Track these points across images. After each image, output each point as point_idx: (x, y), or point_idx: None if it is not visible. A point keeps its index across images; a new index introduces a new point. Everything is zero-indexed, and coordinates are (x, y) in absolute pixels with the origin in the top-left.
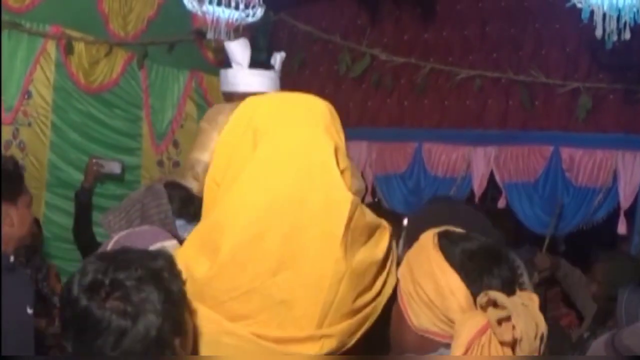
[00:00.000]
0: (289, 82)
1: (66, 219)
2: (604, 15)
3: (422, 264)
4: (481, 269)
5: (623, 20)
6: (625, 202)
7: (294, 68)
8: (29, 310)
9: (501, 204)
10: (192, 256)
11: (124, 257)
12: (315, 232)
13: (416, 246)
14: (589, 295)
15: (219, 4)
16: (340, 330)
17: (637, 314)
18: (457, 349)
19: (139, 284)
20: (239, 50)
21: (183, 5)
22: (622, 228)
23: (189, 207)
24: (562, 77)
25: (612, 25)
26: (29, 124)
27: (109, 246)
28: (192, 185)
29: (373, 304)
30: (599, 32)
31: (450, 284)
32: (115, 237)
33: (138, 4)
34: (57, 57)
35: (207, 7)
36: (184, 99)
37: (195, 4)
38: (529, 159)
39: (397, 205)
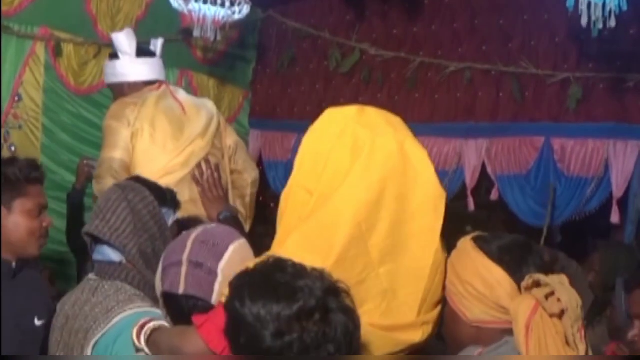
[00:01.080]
0: (279, 79)
1: (59, 221)
2: (589, 3)
3: (466, 265)
4: (518, 259)
5: (608, 8)
6: (617, 191)
7: (284, 65)
8: (37, 322)
9: (494, 196)
10: (303, 256)
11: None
12: (417, 226)
13: (456, 253)
14: (586, 285)
15: (205, 2)
16: (434, 317)
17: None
18: (520, 331)
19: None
20: (125, 40)
21: (171, 5)
22: (615, 217)
23: (165, 196)
24: (551, 68)
25: (598, 13)
26: (20, 127)
27: (189, 248)
28: (109, 184)
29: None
30: (584, 21)
31: (495, 276)
32: (193, 236)
33: (126, 4)
34: (46, 59)
35: (193, 5)
36: None
37: (182, 2)
38: (520, 151)
39: None
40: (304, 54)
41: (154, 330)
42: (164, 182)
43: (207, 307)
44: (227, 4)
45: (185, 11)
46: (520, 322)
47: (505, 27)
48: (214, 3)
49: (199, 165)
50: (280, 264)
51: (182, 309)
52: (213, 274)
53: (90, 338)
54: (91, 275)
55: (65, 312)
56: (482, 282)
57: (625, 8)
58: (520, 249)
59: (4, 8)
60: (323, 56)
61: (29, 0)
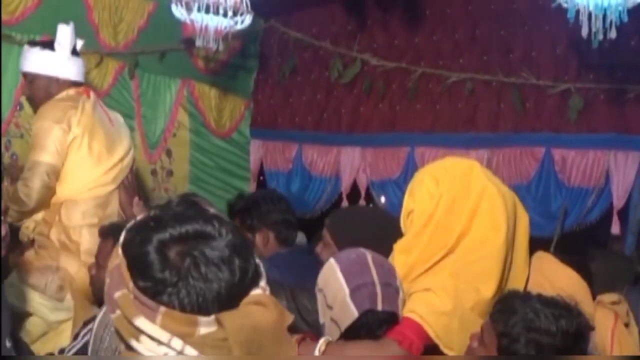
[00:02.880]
0: (280, 89)
1: None
2: (590, 14)
3: (559, 275)
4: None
5: (609, 20)
6: (618, 202)
7: (285, 75)
8: (8, 344)
9: None
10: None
11: None
12: (524, 243)
13: (542, 262)
14: None
15: (207, 11)
16: None
17: (636, 313)
18: (606, 336)
19: None
20: (69, 35)
21: (173, 14)
22: (615, 228)
23: None
24: (552, 79)
25: (598, 24)
26: (21, 136)
27: (374, 270)
28: (37, 188)
29: None
30: (584, 32)
31: (580, 283)
32: (370, 259)
33: (128, 13)
34: None
35: (196, 15)
36: (176, 108)
37: (184, 12)
38: (521, 161)
39: (392, 211)
40: (306, 64)
41: (329, 344)
42: (93, 193)
43: (395, 320)
44: (229, 13)
45: (188, 21)
46: (605, 330)
47: (506, 37)
48: (216, 13)
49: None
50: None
51: (366, 324)
52: (398, 291)
53: None
54: None
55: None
56: (571, 289)
57: (625, 19)
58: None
59: (5, 17)
60: (324, 66)
61: (31, 9)
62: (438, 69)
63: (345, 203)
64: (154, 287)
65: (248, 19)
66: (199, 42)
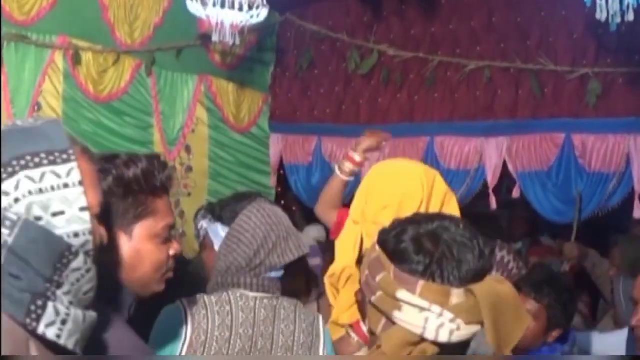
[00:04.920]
0: (298, 82)
1: None
2: None
3: None
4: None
5: (626, 2)
6: (639, 186)
7: (302, 67)
8: None
9: (515, 194)
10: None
11: None
12: None
13: None
14: (609, 280)
15: (223, 6)
16: None
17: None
18: None
19: None
20: None
21: (188, 10)
22: (637, 212)
23: None
24: (570, 64)
25: (615, 7)
26: None
27: None
28: None
29: None
30: (599, 15)
31: None
32: None
33: (144, 11)
34: (65, 68)
35: (211, 11)
36: (194, 104)
37: (199, 7)
38: (541, 148)
39: None
40: (323, 56)
41: None
42: None
43: None
44: (245, 8)
45: (204, 16)
46: None
47: (523, 24)
48: (232, 7)
49: None
50: None
51: None
52: None
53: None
54: (247, 292)
55: (242, 333)
56: None
57: None
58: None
59: (21, 18)
60: (342, 58)
61: (46, 9)
62: (455, 57)
63: None
64: (413, 267)
65: (264, 13)
66: (215, 38)
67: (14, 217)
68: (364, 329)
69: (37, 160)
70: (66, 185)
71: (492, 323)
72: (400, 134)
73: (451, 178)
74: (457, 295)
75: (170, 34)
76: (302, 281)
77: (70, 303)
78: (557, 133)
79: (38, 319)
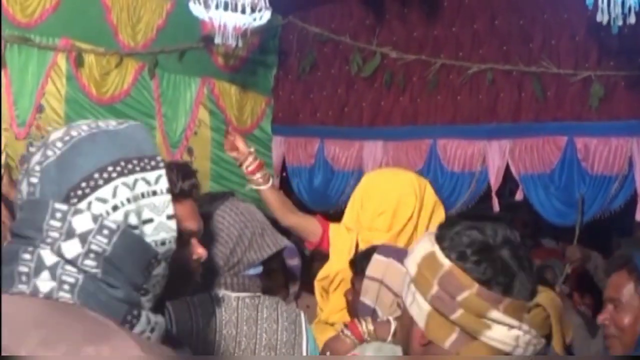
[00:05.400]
0: (301, 84)
1: None
2: (608, 0)
3: None
4: None
5: (627, 5)
6: None
7: (305, 70)
8: None
9: (518, 196)
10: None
11: None
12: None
13: None
14: None
15: (225, 9)
16: None
17: None
18: None
19: None
20: None
21: (191, 13)
22: (639, 215)
23: None
24: (573, 67)
25: (617, 10)
26: (43, 138)
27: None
28: None
29: None
30: (600, 17)
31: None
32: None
33: (147, 13)
34: (68, 70)
35: (214, 13)
36: (197, 106)
37: (202, 10)
38: (543, 150)
39: None
40: (325, 59)
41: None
42: None
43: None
44: (248, 10)
45: (206, 18)
46: None
47: (525, 27)
48: (235, 10)
49: None
50: None
51: None
52: None
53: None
54: (228, 292)
55: (226, 334)
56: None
57: None
58: None
59: (24, 20)
60: (344, 60)
61: (49, 11)
62: (458, 60)
63: None
64: (496, 286)
65: (267, 15)
66: (218, 40)
67: (113, 226)
68: (359, 328)
69: (130, 166)
70: (154, 193)
71: (559, 333)
72: (402, 137)
73: (454, 181)
74: (529, 310)
75: (173, 37)
76: (280, 280)
77: (150, 309)
78: (559, 136)
79: (132, 328)
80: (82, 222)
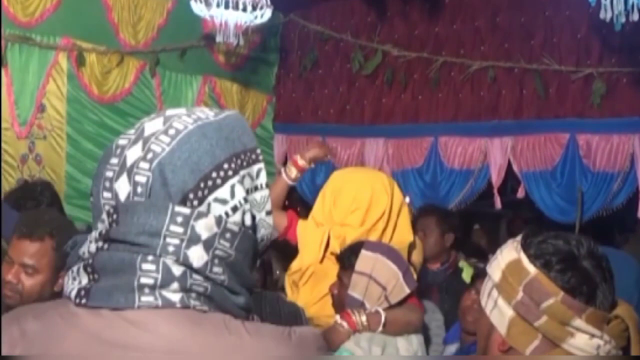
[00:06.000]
0: (302, 82)
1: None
2: None
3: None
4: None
5: (630, 2)
6: None
7: (306, 68)
8: None
9: (520, 193)
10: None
11: None
12: None
13: None
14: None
15: (227, 7)
16: None
17: None
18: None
19: None
20: None
21: (192, 11)
22: None
23: None
24: (574, 64)
25: (620, 7)
26: (44, 137)
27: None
28: None
29: None
30: (602, 14)
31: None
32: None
33: (147, 12)
34: (69, 69)
35: (215, 11)
36: (198, 105)
37: (203, 8)
38: (545, 148)
39: (414, 200)
40: (326, 57)
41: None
42: None
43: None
44: (249, 8)
45: (207, 17)
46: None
47: (527, 24)
48: (236, 8)
49: None
50: None
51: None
52: None
53: None
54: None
55: None
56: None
57: None
58: None
59: (24, 19)
60: (345, 58)
61: (50, 10)
62: (459, 57)
63: None
64: (581, 295)
65: (268, 13)
66: (219, 38)
67: (235, 229)
68: (353, 318)
69: (239, 162)
70: (256, 188)
71: (638, 344)
72: (404, 134)
73: (454, 178)
74: (609, 321)
75: (174, 35)
76: (260, 274)
77: None
78: (561, 133)
79: None
80: (205, 227)
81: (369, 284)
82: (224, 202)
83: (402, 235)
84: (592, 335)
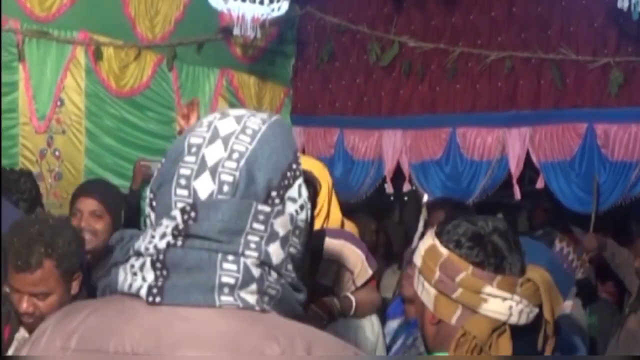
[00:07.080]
0: (319, 74)
1: None
2: None
3: None
4: None
5: None
6: None
7: (323, 60)
8: None
9: (539, 184)
10: None
11: None
12: None
13: None
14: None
15: (244, 0)
16: None
17: None
18: None
19: None
20: None
21: (209, 4)
22: None
23: None
24: (591, 53)
25: None
26: (63, 132)
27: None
28: None
29: None
30: (620, 3)
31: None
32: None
33: (164, 5)
34: (87, 63)
35: (232, 4)
36: (216, 98)
37: (220, 1)
38: (563, 138)
39: (435, 192)
40: (343, 49)
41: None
42: None
43: None
44: (266, 1)
45: (224, 10)
46: None
47: (543, 14)
48: (253, 1)
49: None
50: None
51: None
52: None
53: None
54: None
55: None
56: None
57: None
58: None
59: (42, 14)
60: (362, 50)
61: (67, 5)
62: (476, 48)
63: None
64: (489, 266)
65: (285, 6)
66: (236, 31)
67: (302, 226)
68: (327, 304)
69: (299, 162)
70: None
71: (548, 302)
72: (421, 126)
73: (474, 169)
74: (522, 284)
75: (191, 28)
76: None
77: None
78: (579, 123)
79: None
80: (282, 224)
81: (339, 270)
82: (294, 200)
83: (335, 213)
84: (504, 299)
